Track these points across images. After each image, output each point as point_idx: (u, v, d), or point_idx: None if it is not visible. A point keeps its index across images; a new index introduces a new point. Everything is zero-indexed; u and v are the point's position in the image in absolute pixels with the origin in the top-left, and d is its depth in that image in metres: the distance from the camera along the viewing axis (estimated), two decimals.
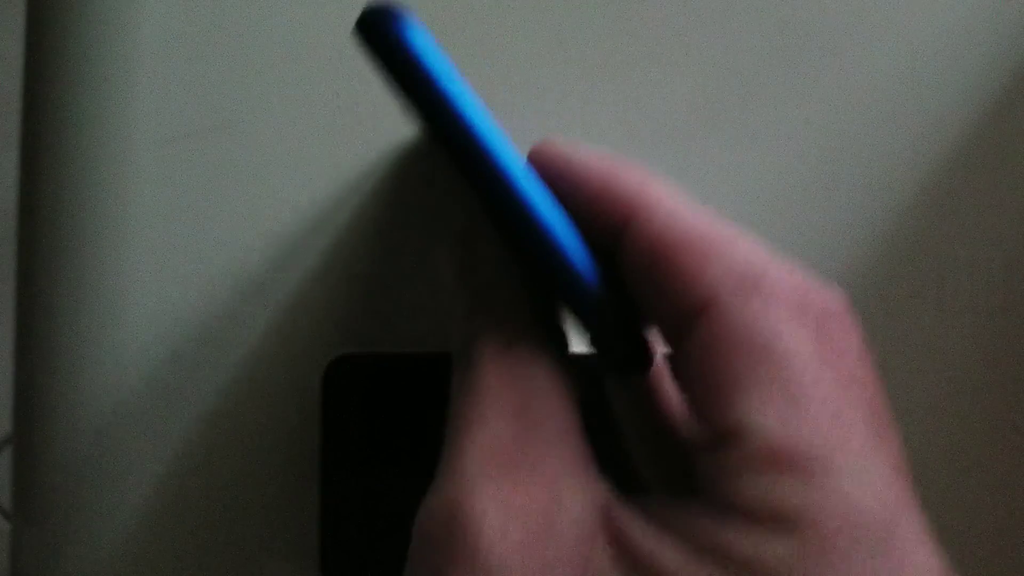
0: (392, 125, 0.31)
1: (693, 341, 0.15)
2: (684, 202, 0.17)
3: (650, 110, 0.31)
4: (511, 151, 0.18)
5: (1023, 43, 0.31)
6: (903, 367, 0.31)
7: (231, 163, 0.31)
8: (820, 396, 0.15)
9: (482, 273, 0.19)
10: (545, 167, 0.19)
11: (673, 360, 0.17)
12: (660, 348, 0.18)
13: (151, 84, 0.31)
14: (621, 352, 0.17)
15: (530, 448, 0.16)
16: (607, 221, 0.17)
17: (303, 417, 0.31)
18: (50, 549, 0.31)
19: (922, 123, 0.31)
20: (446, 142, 0.18)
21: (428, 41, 0.19)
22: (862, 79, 0.31)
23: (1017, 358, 0.30)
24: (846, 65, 0.31)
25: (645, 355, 0.18)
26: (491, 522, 0.15)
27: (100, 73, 0.31)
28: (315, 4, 0.31)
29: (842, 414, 0.15)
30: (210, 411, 0.31)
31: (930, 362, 0.30)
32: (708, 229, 0.17)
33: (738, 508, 0.14)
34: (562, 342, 0.19)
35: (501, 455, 0.16)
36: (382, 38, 0.18)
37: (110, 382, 0.31)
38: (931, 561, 0.16)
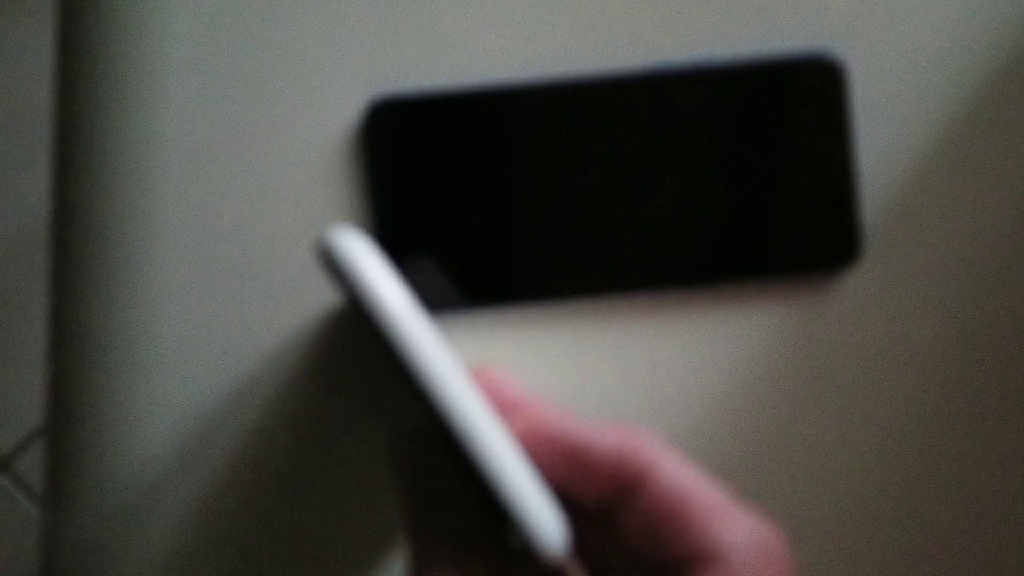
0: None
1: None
2: (691, 471, 0.21)
3: None
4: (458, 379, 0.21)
5: (1018, 41, 0.31)
6: (882, 364, 0.31)
7: (257, 176, 0.32)
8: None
9: (432, 481, 0.23)
10: (537, 435, 0.22)
11: None
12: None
13: (180, 99, 0.32)
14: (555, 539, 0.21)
15: None
16: (610, 482, 0.21)
17: (336, 408, 0.32)
18: (84, 539, 0.32)
19: (917, 121, 0.31)
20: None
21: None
22: (859, 78, 0.31)
23: (994, 354, 0.31)
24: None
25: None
26: None
27: (129, 88, 0.32)
28: (332, 13, 0.32)
29: None
30: (235, 401, 0.32)
31: (906, 357, 0.31)
32: (714, 496, 0.21)
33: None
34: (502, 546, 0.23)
35: None
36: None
37: (140, 378, 0.32)
38: None
